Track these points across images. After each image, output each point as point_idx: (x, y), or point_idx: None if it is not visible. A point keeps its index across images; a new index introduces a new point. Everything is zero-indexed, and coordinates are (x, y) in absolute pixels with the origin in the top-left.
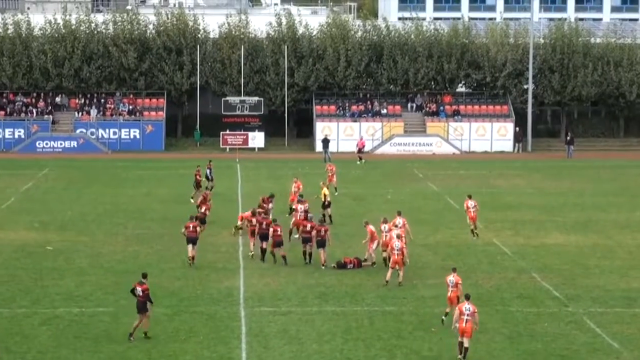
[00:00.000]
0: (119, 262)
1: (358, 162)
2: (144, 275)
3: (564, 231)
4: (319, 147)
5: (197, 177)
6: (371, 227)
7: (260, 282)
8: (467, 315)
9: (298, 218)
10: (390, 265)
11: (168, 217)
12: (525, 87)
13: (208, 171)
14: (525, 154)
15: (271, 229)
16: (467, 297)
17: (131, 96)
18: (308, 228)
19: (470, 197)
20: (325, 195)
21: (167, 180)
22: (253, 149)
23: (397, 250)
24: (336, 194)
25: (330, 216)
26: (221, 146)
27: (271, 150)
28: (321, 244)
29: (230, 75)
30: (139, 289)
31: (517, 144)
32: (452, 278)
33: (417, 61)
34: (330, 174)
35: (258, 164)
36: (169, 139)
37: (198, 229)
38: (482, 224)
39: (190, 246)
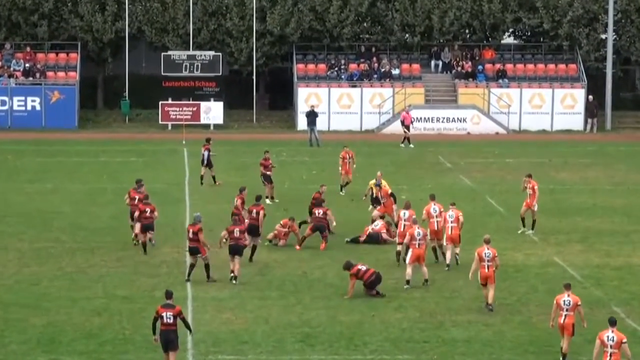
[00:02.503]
0: (8, 290)
1: (402, 145)
2: (169, 295)
3: None
4: (302, 123)
5: (264, 167)
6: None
7: (217, 319)
8: (612, 347)
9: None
10: (479, 281)
11: (83, 224)
12: (603, 37)
13: (206, 153)
14: (603, 134)
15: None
16: (613, 323)
17: (28, 49)
18: (147, 213)
19: (530, 176)
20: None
21: (82, 172)
22: (208, 126)
23: (488, 260)
24: (341, 193)
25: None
26: (160, 122)
27: (233, 129)
28: (236, 250)
29: (173, 19)
30: (167, 315)
31: (590, 120)
32: (567, 298)
33: None
34: (349, 161)
35: (215, 147)
36: (84, 112)
37: (156, 213)
38: (537, 236)
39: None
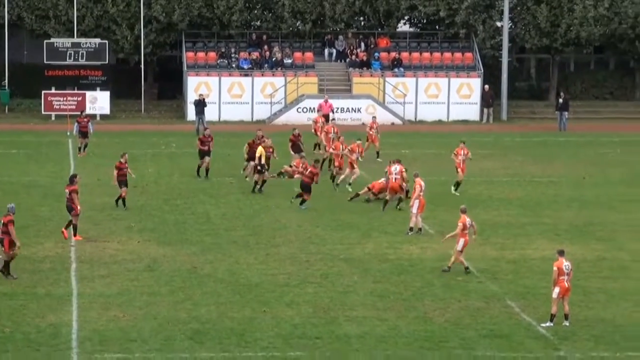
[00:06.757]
0: None
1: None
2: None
3: (554, 238)
4: (192, 113)
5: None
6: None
7: (104, 316)
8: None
9: None
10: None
11: None
12: (499, 24)
13: (75, 125)
14: (499, 124)
15: None
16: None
17: None
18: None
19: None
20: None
21: None
22: (94, 116)
23: (568, 273)
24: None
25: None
26: (43, 112)
27: (121, 119)
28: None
29: (55, 5)
30: None
31: (486, 110)
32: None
33: None
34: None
35: (101, 139)
36: None
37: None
38: (433, 229)
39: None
